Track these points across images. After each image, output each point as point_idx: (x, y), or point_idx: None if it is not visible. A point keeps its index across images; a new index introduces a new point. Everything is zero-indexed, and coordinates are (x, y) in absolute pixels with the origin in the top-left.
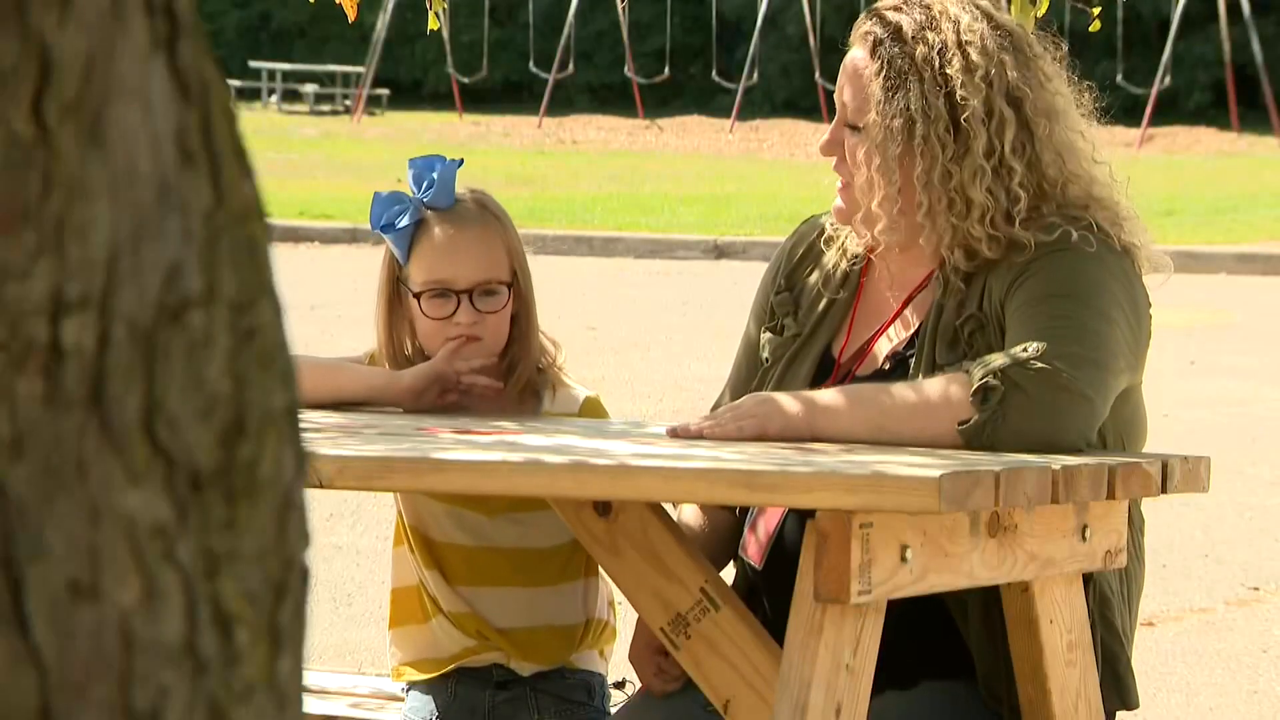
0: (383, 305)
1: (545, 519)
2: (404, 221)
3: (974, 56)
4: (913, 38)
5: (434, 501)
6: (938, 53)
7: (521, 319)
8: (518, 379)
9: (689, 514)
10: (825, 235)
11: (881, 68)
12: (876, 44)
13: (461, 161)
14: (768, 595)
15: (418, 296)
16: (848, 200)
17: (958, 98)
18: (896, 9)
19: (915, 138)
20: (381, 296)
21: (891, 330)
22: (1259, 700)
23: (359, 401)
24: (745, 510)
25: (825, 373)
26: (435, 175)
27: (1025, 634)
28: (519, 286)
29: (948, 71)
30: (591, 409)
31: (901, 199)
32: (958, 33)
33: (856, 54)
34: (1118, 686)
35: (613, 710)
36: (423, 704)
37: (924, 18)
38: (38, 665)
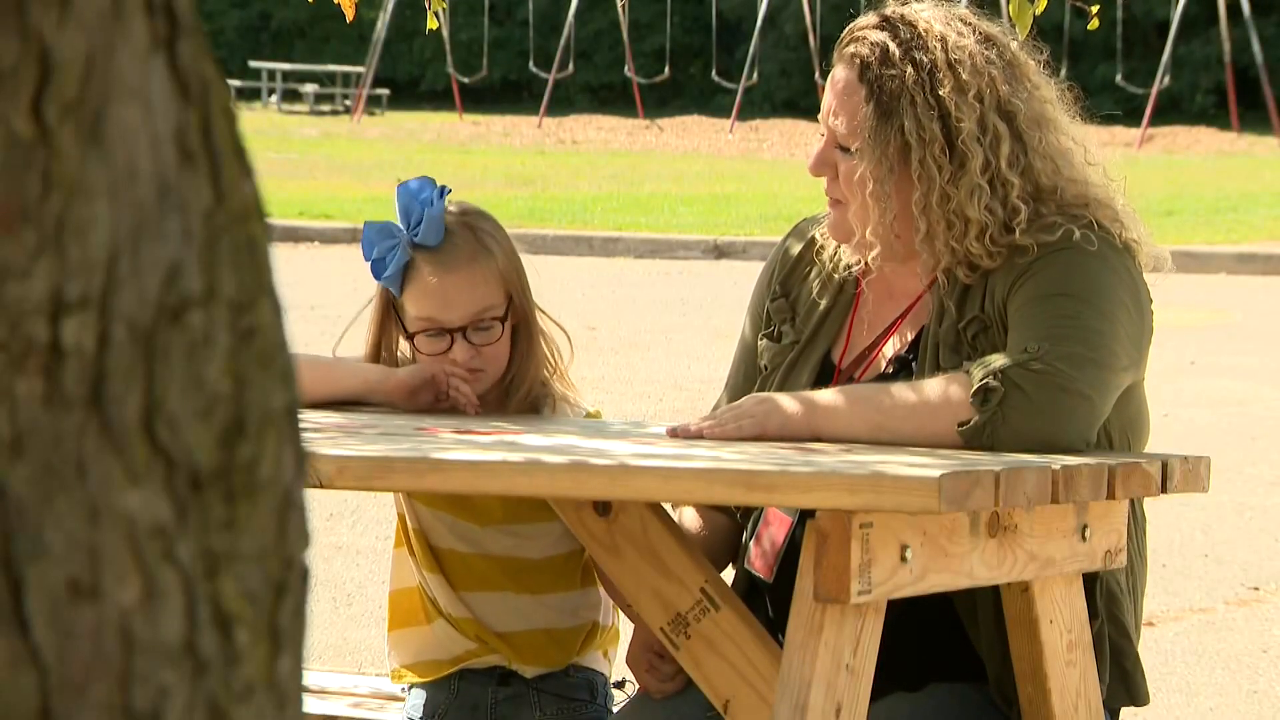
0: (375, 319)
1: (538, 532)
2: (391, 268)
3: (965, 76)
4: (901, 59)
5: (425, 508)
6: (928, 74)
7: (521, 337)
8: (519, 397)
9: (687, 519)
10: (819, 244)
11: (871, 92)
12: (864, 66)
13: (447, 190)
14: (777, 608)
15: (412, 337)
16: (841, 219)
17: (952, 119)
18: (879, 27)
19: (911, 163)
20: (375, 313)
21: (892, 340)
22: (1259, 700)
23: (354, 397)
24: (746, 517)
25: (826, 379)
26: (423, 214)
27: (1025, 634)
28: (516, 307)
29: (940, 93)
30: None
31: (897, 224)
32: (946, 51)
33: (843, 75)
34: (1126, 683)
35: (615, 709)
36: (424, 701)
37: (910, 35)
38: (38, 665)
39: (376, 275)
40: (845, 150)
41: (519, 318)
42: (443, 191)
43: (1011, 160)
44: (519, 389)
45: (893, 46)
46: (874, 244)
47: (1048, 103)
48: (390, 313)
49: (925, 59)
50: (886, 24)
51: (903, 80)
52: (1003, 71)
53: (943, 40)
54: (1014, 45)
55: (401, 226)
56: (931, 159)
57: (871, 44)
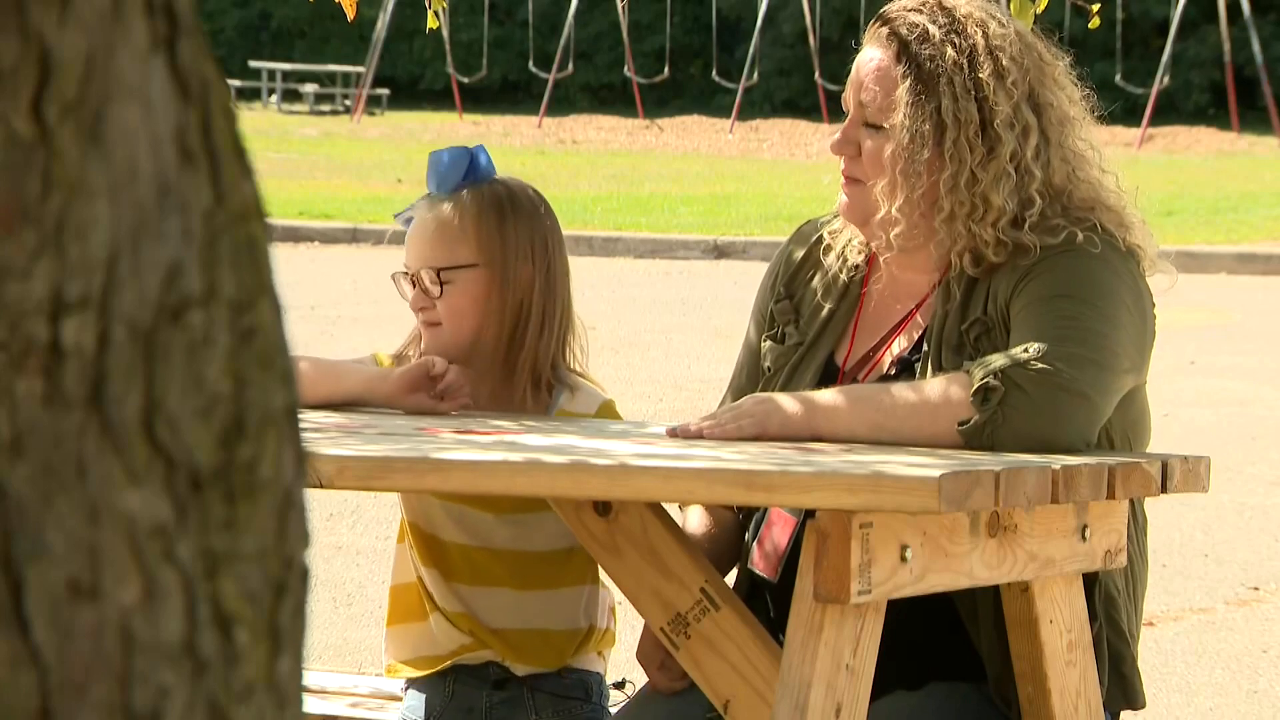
0: None
1: (546, 521)
2: (407, 209)
3: (1005, 62)
4: (941, 41)
5: (435, 499)
6: (968, 58)
7: (496, 309)
8: (514, 377)
9: (693, 521)
10: (824, 244)
11: (909, 70)
12: (903, 45)
13: (470, 153)
14: (781, 608)
15: (394, 278)
16: (858, 198)
17: (989, 104)
18: (917, 10)
19: (946, 142)
20: None
21: (896, 342)
22: (1259, 700)
23: (355, 398)
24: (748, 518)
25: (829, 381)
26: (429, 165)
27: (1025, 634)
28: (496, 281)
29: (979, 76)
30: (607, 412)
31: (923, 203)
32: (986, 38)
33: (877, 54)
34: (1123, 686)
35: (612, 710)
36: (420, 703)
37: (948, 21)
38: (38, 665)
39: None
40: (874, 128)
41: (498, 289)
42: (465, 152)
43: (1036, 153)
44: (511, 369)
45: (932, 28)
46: (899, 220)
47: (1073, 104)
48: None
49: (965, 43)
50: (922, 8)
51: (942, 61)
52: (1036, 65)
53: (983, 26)
54: (1041, 45)
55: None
56: (965, 140)
57: (910, 24)
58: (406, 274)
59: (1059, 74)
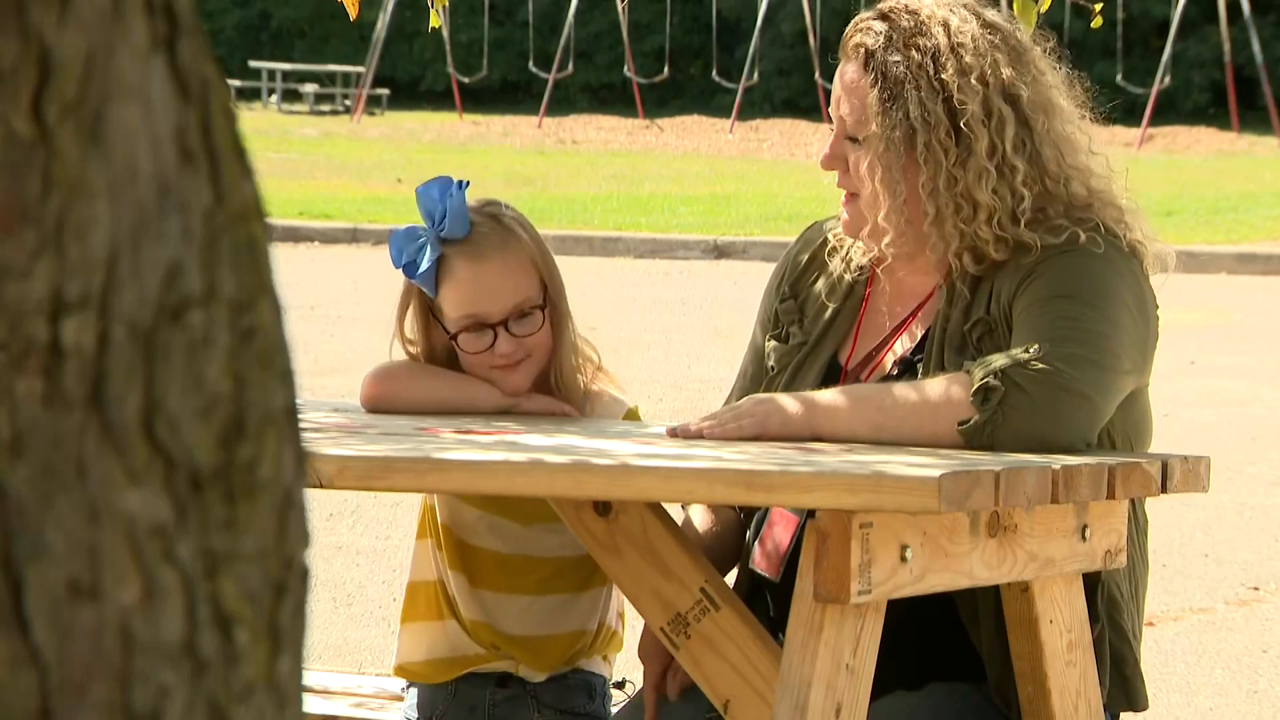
0: (419, 328)
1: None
2: (425, 264)
3: (967, 58)
4: (904, 45)
5: (468, 506)
6: (931, 58)
7: (556, 323)
8: (565, 386)
9: (694, 520)
10: (830, 246)
11: (876, 79)
12: (868, 55)
13: (467, 184)
14: (783, 608)
15: (454, 336)
16: (854, 213)
17: (956, 101)
18: (882, 18)
19: (918, 147)
20: (416, 322)
21: (900, 342)
22: (1259, 700)
23: (495, 411)
24: (749, 517)
25: (832, 381)
26: (445, 207)
27: (1025, 634)
28: (551, 295)
29: (943, 76)
30: (632, 420)
31: (907, 209)
32: (948, 35)
33: (848, 67)
34: (1125, 688)
35: (613, 710)
36: (422, 702)
37: (912, 24)
38: (38, 665)
39: (410, 275)
40: (855, 141)
41: (554, 304)
42: (461, 185)
43: (1017, 144)
44: (562, 377)
45: (895, 34)
46: (886, 230)
47: (1053, 88)
48: (431, 318)
49: (928, 44)
50: (889, 14)
51: (906, 65)
52: (1007, 56)
53: (945, 25)
54: (1019, 33)
55: (427, 226)
56: (937, 142)
57: (875, 33)
58: (483, 327)
59: (1036, 59)
